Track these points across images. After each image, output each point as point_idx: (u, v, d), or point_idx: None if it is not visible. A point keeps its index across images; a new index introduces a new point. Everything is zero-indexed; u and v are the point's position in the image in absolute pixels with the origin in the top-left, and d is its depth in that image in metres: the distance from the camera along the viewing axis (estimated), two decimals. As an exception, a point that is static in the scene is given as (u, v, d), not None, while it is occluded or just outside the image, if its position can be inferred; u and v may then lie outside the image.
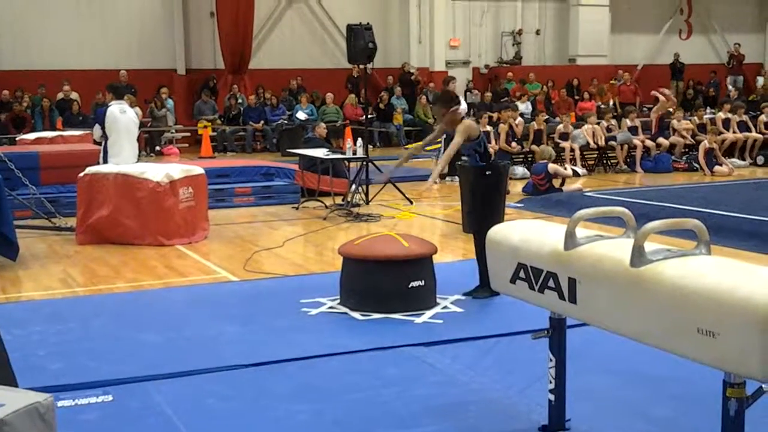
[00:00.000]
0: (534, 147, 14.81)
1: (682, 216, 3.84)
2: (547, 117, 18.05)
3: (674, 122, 16.27)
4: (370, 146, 12.93)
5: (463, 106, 14.42)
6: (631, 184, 14.09)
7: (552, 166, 12.63)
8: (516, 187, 12.87)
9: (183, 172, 9.28)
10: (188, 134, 19.69)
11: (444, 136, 6.62)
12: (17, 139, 14.98)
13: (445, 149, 6.68)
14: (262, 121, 19.42)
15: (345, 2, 21.83)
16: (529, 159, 14.95)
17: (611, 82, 22.53)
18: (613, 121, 16.25)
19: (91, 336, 5.68)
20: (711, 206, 10.48)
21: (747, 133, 16.77)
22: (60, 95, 18.66)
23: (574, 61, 24.06)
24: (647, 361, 4.60)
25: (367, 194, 11.66)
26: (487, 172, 6.61)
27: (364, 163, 11.52)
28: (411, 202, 11.51)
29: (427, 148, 8.21)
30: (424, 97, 20.62)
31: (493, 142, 14.52)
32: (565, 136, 15.57)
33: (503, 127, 11.55)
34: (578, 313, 3.56)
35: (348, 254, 6.28)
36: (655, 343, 3.17)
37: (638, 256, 3.19)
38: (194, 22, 20.98)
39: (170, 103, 19.27)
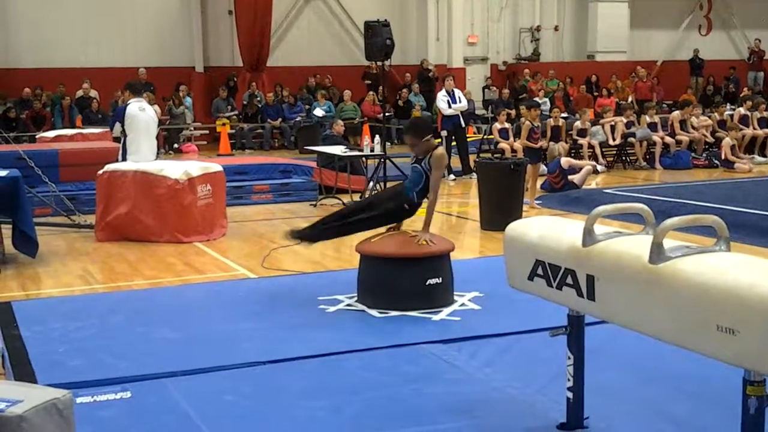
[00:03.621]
0: (551, 144, 14.72)
1: (702, 213, 3.80)
2: (566, 114, 17.93)
3: (693, 120, 16.17)
4: (387, 143, 12.90)
5: (463, 104, 14.47)
6: (650, 181, 14.01)
7: (564, 160, 12.54)
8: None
9: (201, 170, 9.31)
10: (206, 132, 19.79)
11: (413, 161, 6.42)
12: (37, 136, 15.07)
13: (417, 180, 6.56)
14: (280, 119, 19.46)
15: (362, -1, 21.85)
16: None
17: (631, 76, 22.42)
18: (633, 117, 16.17)
19: (109, 333, 5.70)
20: (731, 203, 10.41)
21: (767, 130, 16.64)
22: (79, 93, 18.75)
23: (592, 58, 23.96)
24: (666, 358, 4.57)
25: (384, 191, 11.64)
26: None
27: (382, 160, 11.50)
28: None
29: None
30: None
31: (511, 138, 14.49)
32: (583, 133, 15.49)
33: (526, 125, 11.47)
34: (596, 310, 3.54)
35: (365, 251, 6.28)
36: (674, 341, 3.15)
37: (657, 253, 3.17)
38: (212, 19, 21.06)
39: (188, 100, 19.34)
